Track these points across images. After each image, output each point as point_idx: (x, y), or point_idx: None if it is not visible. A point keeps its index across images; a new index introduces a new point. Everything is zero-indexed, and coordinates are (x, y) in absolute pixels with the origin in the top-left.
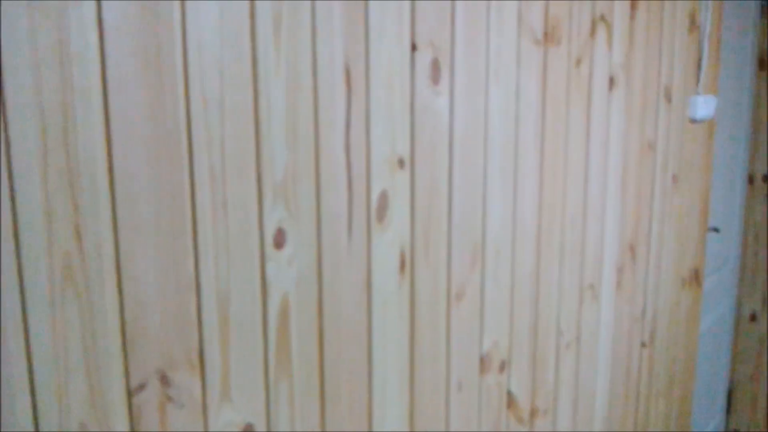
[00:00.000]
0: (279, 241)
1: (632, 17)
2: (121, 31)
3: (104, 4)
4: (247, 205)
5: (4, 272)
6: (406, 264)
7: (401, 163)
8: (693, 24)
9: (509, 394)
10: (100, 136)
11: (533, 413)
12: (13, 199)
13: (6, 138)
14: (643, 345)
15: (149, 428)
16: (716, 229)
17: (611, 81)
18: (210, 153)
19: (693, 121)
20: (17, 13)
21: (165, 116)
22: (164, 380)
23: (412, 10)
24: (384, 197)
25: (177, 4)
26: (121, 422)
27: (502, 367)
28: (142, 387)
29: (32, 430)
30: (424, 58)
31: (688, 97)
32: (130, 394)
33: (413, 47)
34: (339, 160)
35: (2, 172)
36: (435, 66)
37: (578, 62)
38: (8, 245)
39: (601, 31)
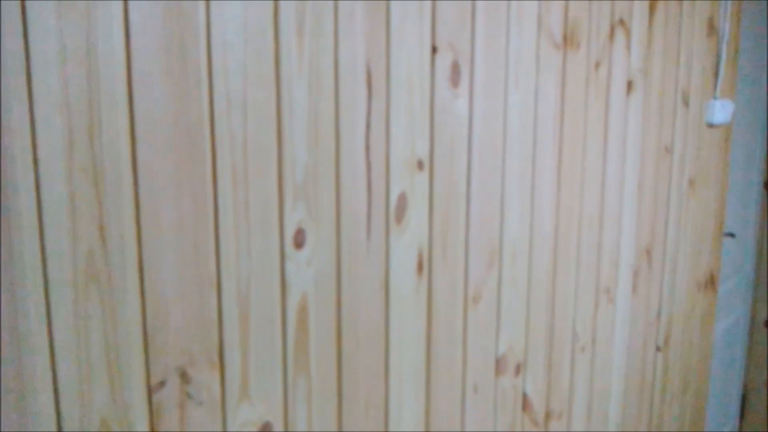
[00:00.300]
0: (299, 241)
1: (651, 21)
2: (147, 30)
3: (131, 3)
4: (268, 205)
5: (29, 268)
6: (423, 265)
7: (420, 164)
8: (711, 28)
9: (524, 396)
10: (125, 134)
11: (548, 416)
12: (38, 195)
13: (33, 134)
14: (657, 349)
15: (169, 425)
16: (732, 235)
17: (629, 85)
18: (233, 152)
19: (710, 125)
20: (46, 11)
21: (189, 115)
22: (184, 378)
23: (433, 12)
24: (403, 198)
25: (202, 4)
26: (141, 419)
27: (518, 369)
28: (162, 384)
29: (54, 424)
30: (444, 60)
31: (705, 101)
32: (150, 391)
33: (433, 49)
34: (359, 161)
35: (29, 168)
36: (455, 68)
37: (597, 66)
38: (33, 241)
39: (619, 35)
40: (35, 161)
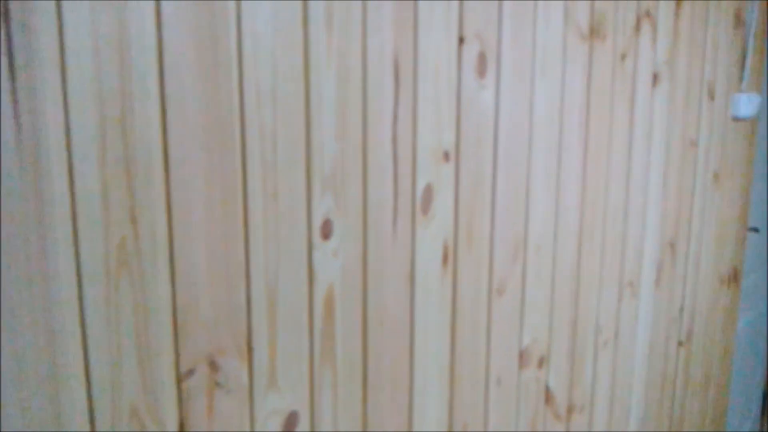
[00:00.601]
0: (326, 232)
1: (677, 13)
2: (179, 21)
3: None
4: (297, 195)
5: (62, 256)
6: (449, 257)
7: (446, 156)
8: (738, 20)
9: (547, 389)
10: (157, 123)
11: (570, 410)
12: (71, 184)
13: (67, 124)
14: (680, 344)
15: (197, 414)
16: (756, 229)
17: (655, 77)
18: (262, 142)
19: (735, 119)
20: (80, 2)
21: (219, 105)
22: (213, 366)
23: (461, 2)
24: (429, 190)
25: None
26: (171, 407)
27: (541, 362)
28: (191, 372)
29: (86, 411)
30: (471, 51)
31: (731, 94)
32: (179, 379)
33: (460, 40)
34: (386, 152)
35: (62, 157)
36: (481, 59)
37: (623, 58)
38: (66, 230)
39: (646, 27)
40: (69, 151)
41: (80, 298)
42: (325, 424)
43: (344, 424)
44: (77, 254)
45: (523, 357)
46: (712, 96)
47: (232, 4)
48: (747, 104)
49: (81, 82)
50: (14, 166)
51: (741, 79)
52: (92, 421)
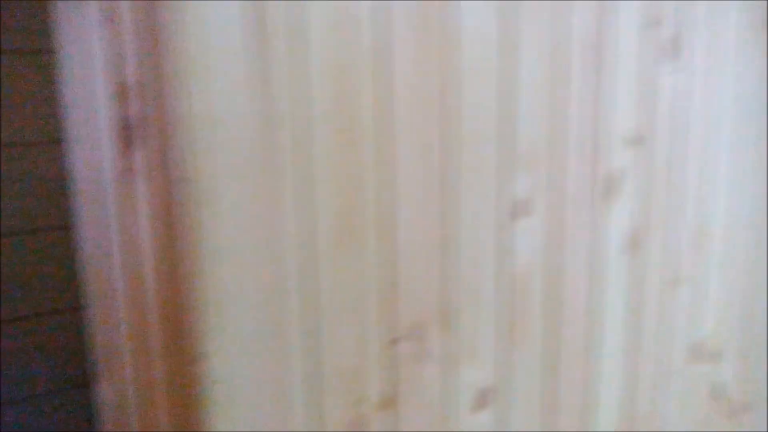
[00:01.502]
0: (523, 211)
1: None
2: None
3: None
4: (498, 172)
5: (291, 226)
6: (634, 243)
7: (639, 139)
8: None
9: (720, 386)
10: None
11: (743, 408)
12: (297, 152)
13: (300, 92)
14: None
15: (403, 381)
16: None
17: None
18: (473, 116)
19: None
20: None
21: (439, 77)
22: (419, 336)
23: None
24: (620, 174)
25: None
26: (379, 373)
27: (716, 357)
28: (398, 340)
29: (301, 372)
30: (665, 33)
31: None
32: (388, 346)
33: (656, 21)
34: (581, 133)
35: (291, 125)
36: (675, 41)
37: None
38: (292, 199)
39: None
40: (294, 121)
41: (302, 264)
42: (515, 401)
43: (531, 402)
44: (300, 225)
45: (699, 350)
46: None
47: None
48: None
49: (320, 56)
50: (255, 134)
51: None
52: (307, 382)
